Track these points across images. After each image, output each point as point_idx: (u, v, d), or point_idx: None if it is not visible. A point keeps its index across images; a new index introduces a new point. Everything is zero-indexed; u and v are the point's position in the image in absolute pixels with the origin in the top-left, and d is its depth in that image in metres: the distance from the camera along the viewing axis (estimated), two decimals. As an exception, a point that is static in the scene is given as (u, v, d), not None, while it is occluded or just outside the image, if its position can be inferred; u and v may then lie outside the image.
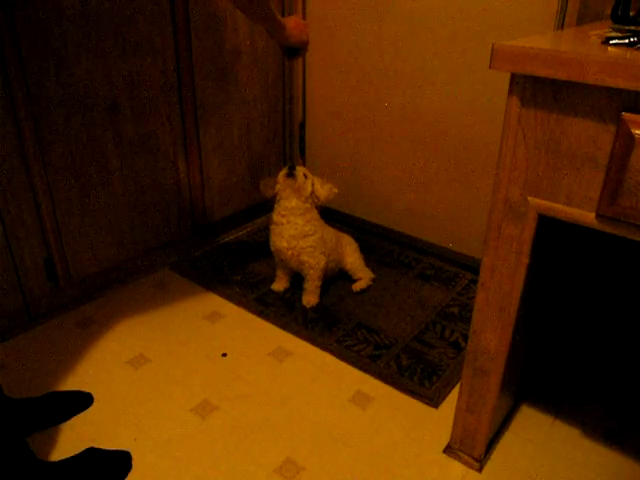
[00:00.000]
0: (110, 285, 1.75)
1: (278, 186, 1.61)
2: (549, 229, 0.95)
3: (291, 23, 1.41)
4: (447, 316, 1.64)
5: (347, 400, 1.34)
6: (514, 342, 1.03)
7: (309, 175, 1.64)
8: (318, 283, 1.68)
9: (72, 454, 1.14)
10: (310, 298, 1.68)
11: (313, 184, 1.63)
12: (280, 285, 1.76)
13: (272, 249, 1.68)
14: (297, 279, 1.75)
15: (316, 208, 1.66)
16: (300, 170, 1.61)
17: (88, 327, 1.58)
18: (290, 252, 1.62)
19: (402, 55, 1.82)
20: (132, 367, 1.43)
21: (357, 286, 1.75)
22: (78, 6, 1.40)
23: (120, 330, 1.57)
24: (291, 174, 1.58)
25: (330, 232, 1.72)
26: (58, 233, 1.53)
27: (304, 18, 2.01)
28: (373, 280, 1.79)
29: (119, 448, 1.18)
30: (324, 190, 1.65)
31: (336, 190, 1.68)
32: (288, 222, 1.61)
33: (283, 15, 1.98)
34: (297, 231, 1.60)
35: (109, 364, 1.44)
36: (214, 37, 1.78)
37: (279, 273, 1.76)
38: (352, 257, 1.77)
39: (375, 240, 2.06)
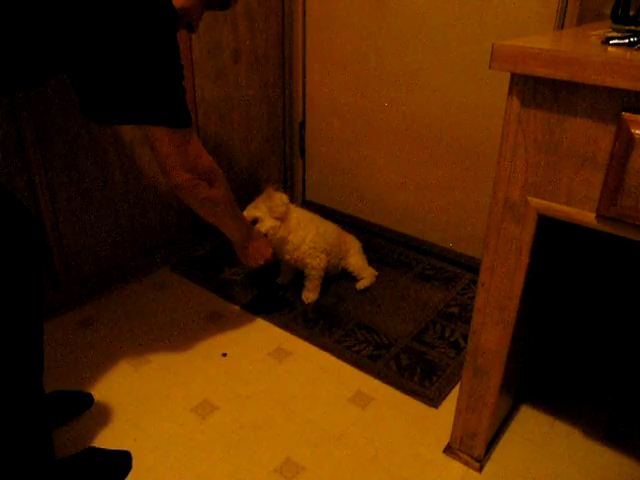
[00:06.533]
0: (110, 285, 1.75)
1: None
2: (549, 229, 0.95)
3: (253, 247, 1.44)
4: (447, 316, 1.64)
5: (347, 400, 1.34)
6: (514, 342, 1.03)
7: (276, 204, 1.56)
8: (318, 282, 1.69)
9: (72, 454, 1.14)
10: (310, 294, 1.70)
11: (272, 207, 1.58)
12: (285, 279, 1.79)
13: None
14: (298, 277, 1.75)
15: (305, 207, 1.66)
16: (261, 207, 1.59)
17: (88, 327, 1.58)
18: (292, 260, 1.66)
19: (402, 55, 1.82)
20: (132, 367, 1.43)
21: (361, 284, 1.75)
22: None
23: (120, 330, 1.57)
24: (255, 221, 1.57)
25: (330, 227, 1.73)
26: (58, 233, 1.53)
27: (304, 18, 2.01)
28: (376, 277, 1.79)
29: (119, 448, 1.18)
30: (278, 206, 1.57)
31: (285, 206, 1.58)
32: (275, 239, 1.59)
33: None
34: (288, 246, 1.62)
35: (109, 364, 1.44)
36: (214, 37, 1.77)
37: (283, 268, 1.78)
38: (354, 258, 1.77)
39: (375, 240, 2.06)
